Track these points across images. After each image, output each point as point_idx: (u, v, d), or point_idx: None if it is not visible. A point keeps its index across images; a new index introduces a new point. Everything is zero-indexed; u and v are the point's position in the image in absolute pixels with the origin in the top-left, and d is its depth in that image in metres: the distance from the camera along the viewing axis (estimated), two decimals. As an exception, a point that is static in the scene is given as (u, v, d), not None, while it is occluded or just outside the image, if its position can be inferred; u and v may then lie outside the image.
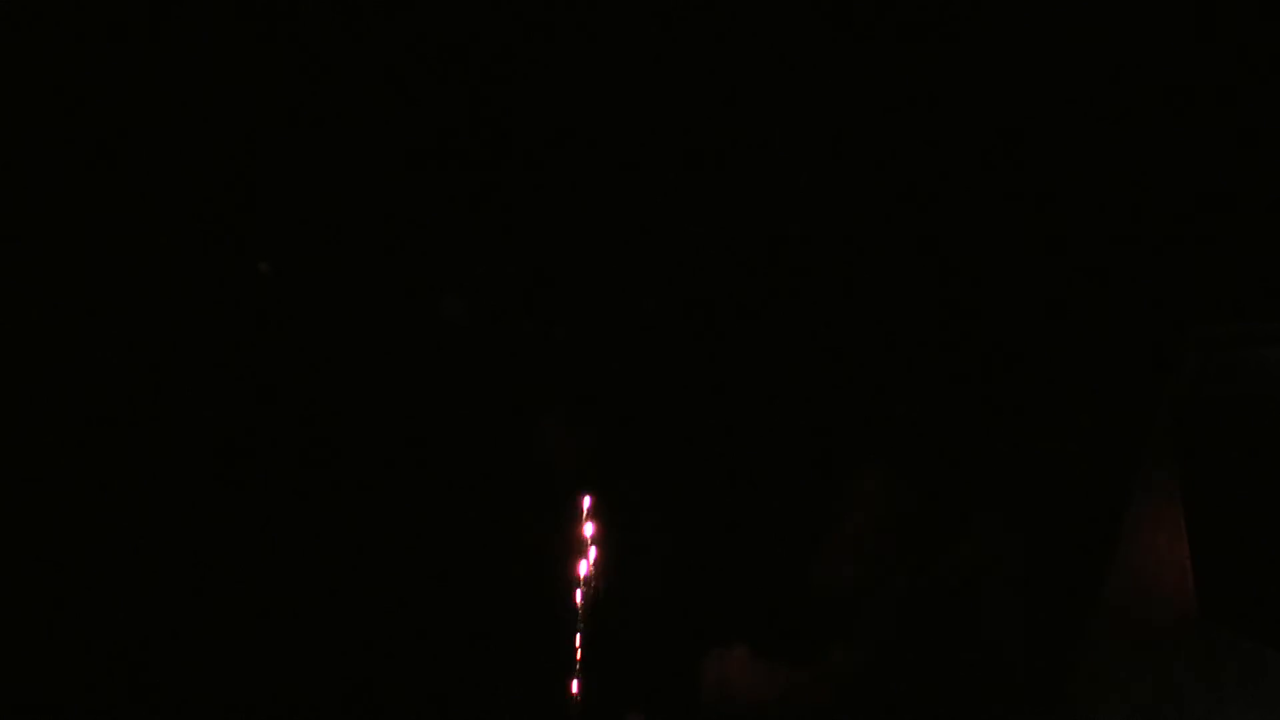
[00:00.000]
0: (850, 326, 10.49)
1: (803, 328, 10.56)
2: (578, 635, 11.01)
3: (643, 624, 10.83)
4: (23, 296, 9.67)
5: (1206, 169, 8.73)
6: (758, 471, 10.70)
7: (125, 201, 10.05)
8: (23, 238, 9.68)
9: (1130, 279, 9.11)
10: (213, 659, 9.95)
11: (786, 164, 10.30)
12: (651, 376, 10.94)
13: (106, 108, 9.89)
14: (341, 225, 10.54)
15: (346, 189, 10.45)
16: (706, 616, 10.61)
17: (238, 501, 10.09)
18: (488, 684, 10.43)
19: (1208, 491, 6.87)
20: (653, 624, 10.80)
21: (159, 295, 10.09)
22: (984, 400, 9.78)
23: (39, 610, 9.66)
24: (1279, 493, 6.93)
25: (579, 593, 11.01)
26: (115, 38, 9.75)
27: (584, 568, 11.06)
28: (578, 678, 10.96)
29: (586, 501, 11.22)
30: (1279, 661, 6.55)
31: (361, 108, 10.41)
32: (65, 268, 9.85)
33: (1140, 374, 8.11)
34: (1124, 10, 9.27)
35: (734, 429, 10.69)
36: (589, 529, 11.16)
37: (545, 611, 10.98)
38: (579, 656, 11.00)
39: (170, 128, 10.03)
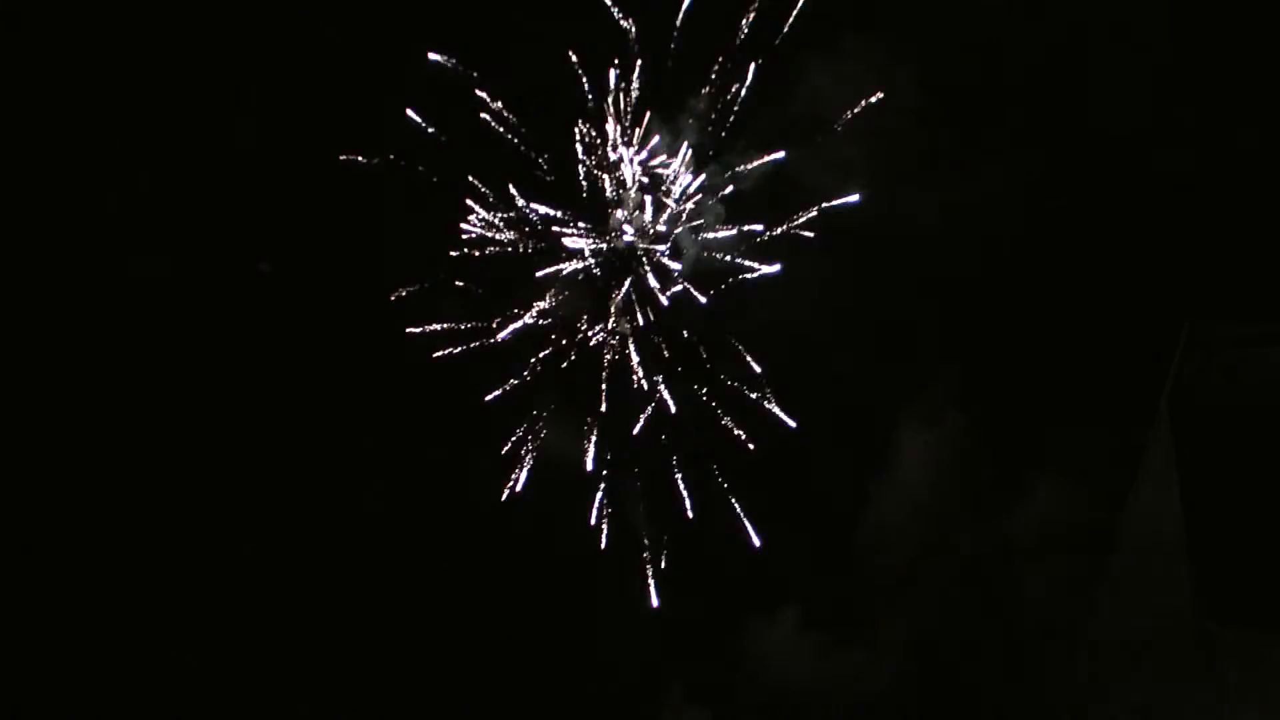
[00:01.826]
0: (850, 324, 10.42)
1: (798, 322, 10.50)
2: None
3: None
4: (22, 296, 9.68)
5: (1207, 169, 8.73)
6: None
7: (123, 201, 10.07)
8: (22, 238, 9.69)
9: (1130, 278, 9.10)
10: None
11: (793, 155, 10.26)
12: None
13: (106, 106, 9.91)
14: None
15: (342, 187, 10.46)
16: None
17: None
18: None
19: (1208, 491, 6.87)
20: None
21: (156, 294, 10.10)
22: (984, 401, 9.76)
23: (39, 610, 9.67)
24: (1278, 493, 6.95)
25: None
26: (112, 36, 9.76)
27: None
28: None
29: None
30: (1278, 660, 6.56)
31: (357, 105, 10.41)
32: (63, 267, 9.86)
33: (1140, 374, 8.10)
34: (1130, 9, 9.27)
35: None
36: None
37: None
38: None
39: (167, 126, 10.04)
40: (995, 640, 9.48)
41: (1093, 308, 9.36)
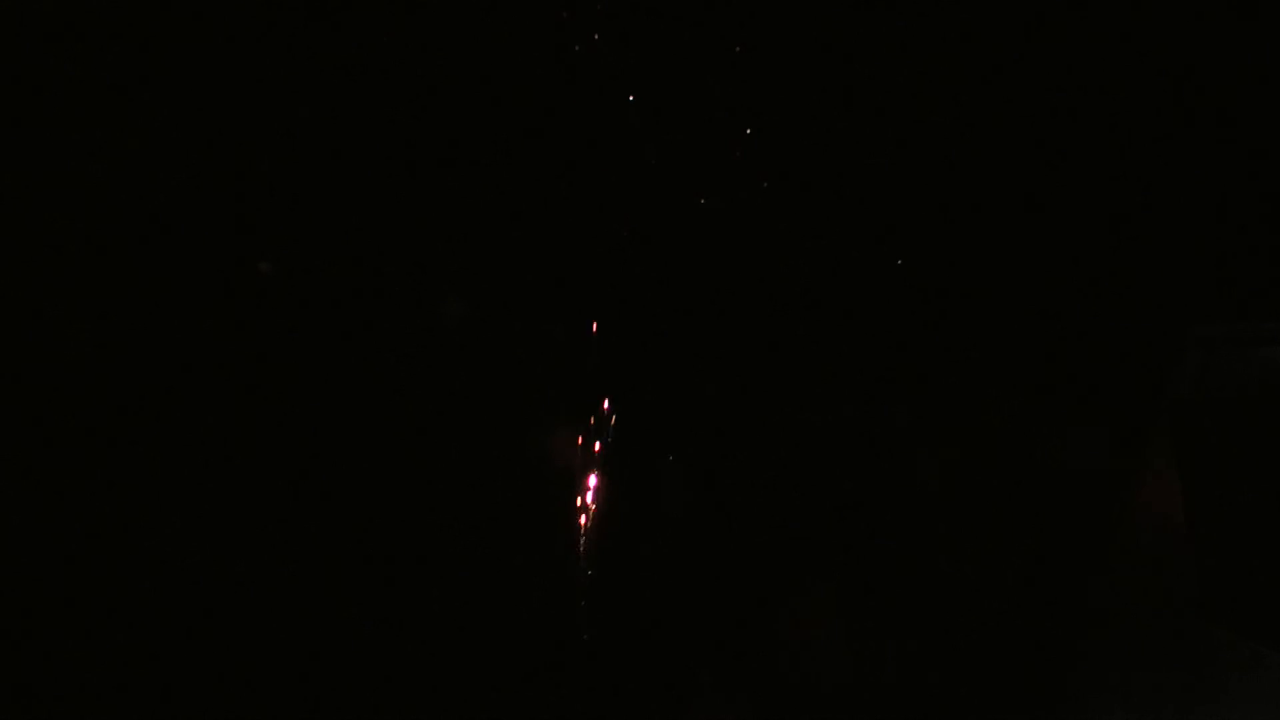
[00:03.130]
0: (847, 324, 10.50)
1: (799, 324, 10.57)
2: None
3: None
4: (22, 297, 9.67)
5: (1207, 167, 8.75)
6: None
7: (125, 201, 10.06)
8: (22, 238, 9.68)
9: (1130, 278, 9.13)
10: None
11: (783, 160, 10.33)
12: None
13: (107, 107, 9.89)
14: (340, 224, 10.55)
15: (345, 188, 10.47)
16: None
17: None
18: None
19: (1208, 491, 6.90)
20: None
21: (157, 295, 10.09)
22: (983, 401, 9.80)
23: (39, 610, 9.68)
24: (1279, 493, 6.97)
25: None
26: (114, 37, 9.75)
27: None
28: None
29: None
30: (1279, 662, 6.59)
31: (358, 105, 10.42)
32: (64, 267, 9.85)
33: (1140, 374, 8.13)
34: (1121, 7, 9.30)
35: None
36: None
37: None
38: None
39: (170, 127, 10.03)
40: (994, 642, 9.53)
41: (1092, 307, 9.38)
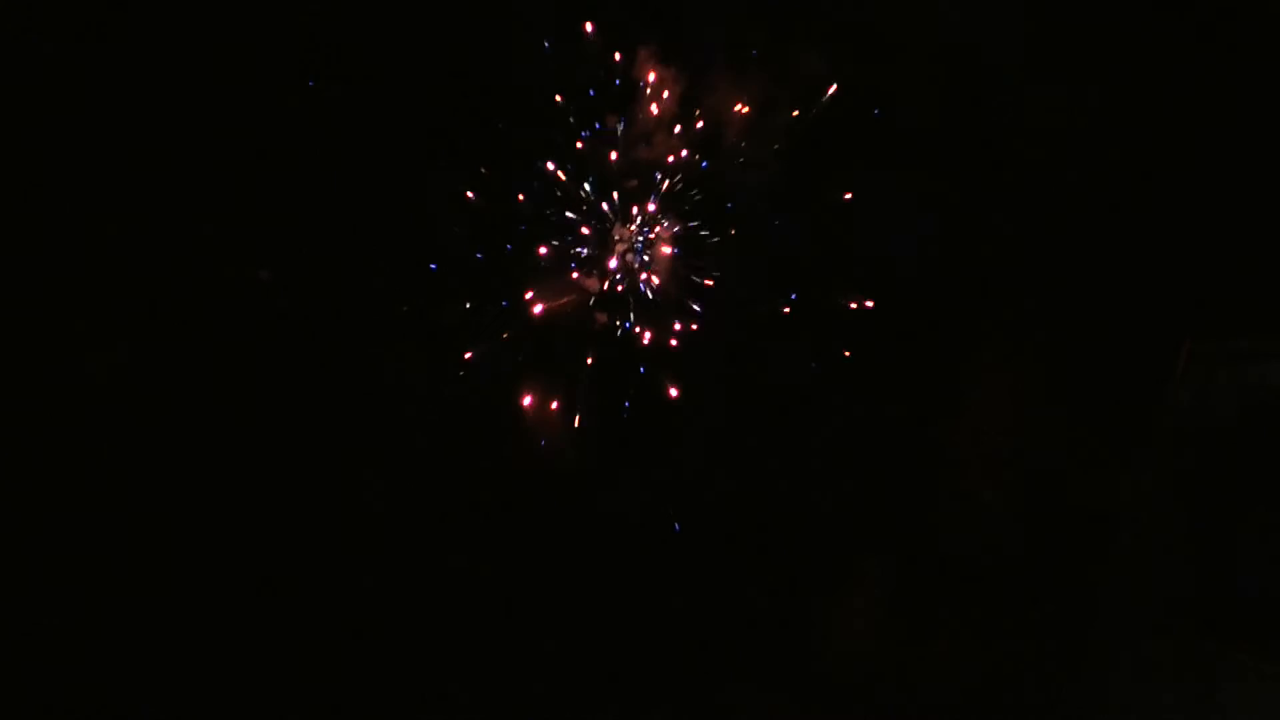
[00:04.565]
0: (845, 325, 10.49)
1: (802, 325, 10.56)
2: None
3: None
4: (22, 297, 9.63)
5: (1208, 178, 8.77)
6: None
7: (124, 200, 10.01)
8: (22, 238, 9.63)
9: (1133, 294, 9.16)
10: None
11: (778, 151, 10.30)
12: None
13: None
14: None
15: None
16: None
17: None
18: None
19: (1207, 506, 6.94)
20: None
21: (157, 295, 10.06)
22: (985, 404, 9.82)
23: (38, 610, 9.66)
24: (1278, 500, 7.02)
25: None
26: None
27: None
28: None
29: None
30: (1277, 665, 6.65)
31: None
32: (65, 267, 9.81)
33: (1141, 388, 8.16)
34: (1123, 13, 9.30)
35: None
36: None
37: None
38: None
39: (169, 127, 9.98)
40: (995, 653, 9.55)
41: (1092, 323, 9.40)
